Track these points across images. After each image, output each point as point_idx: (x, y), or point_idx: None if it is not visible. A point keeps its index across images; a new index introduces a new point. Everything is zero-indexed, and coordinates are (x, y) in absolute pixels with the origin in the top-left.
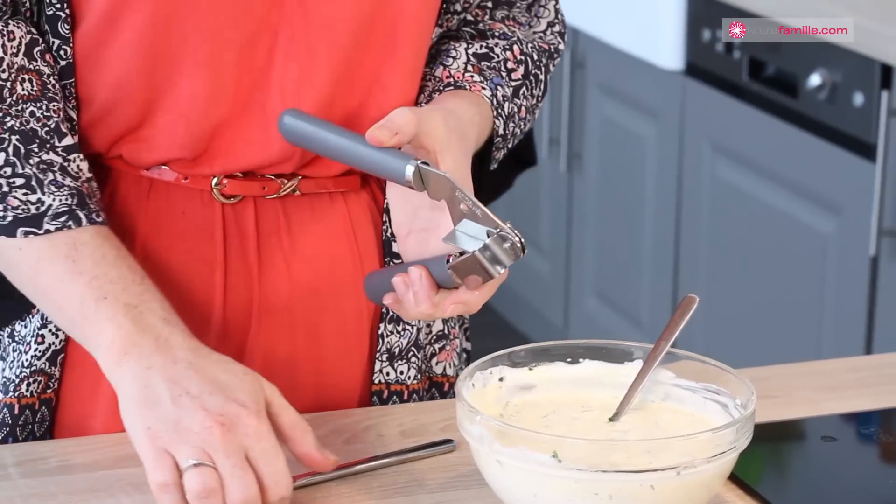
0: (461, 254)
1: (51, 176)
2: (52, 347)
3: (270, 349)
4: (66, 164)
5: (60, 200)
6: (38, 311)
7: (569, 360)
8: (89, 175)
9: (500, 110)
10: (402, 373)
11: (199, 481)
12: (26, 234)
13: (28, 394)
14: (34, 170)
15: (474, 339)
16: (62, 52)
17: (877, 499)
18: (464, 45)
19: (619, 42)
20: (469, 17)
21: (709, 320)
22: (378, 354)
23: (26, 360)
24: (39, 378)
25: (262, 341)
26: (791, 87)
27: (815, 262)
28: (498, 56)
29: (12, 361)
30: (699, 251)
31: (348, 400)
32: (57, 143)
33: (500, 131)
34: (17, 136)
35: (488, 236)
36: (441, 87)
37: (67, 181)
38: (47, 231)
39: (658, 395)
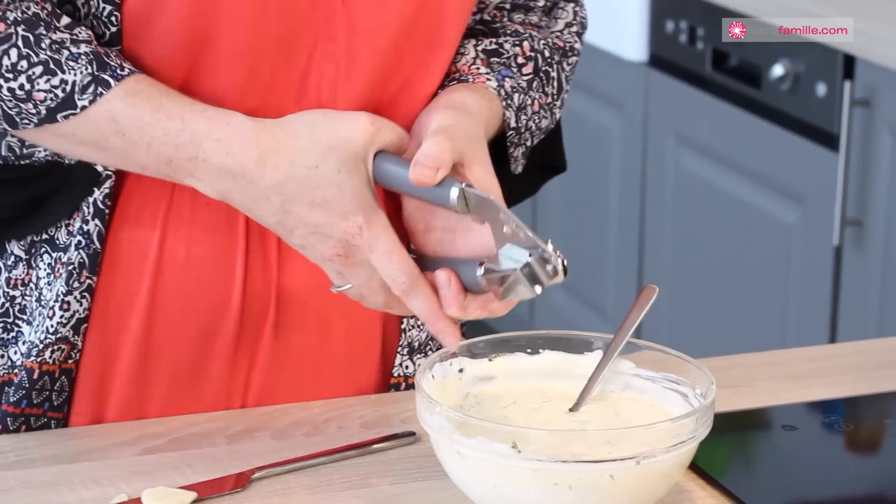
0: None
1: (65, 52)
2: (77, 315)
3: (284, 341)
4: (74, 36)
5: (82, 73)
6: (63, 274)
7: (529, 350)
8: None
9: (509, 101)
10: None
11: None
12: (66, 117)
13: (50, 361)
14: (48, 53)
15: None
16: (112, 19)
17: (837, 487)
18: (473, 41)
19: None
20: (486, 17)
21: (674, 311)
22: (399, 348)
23: (51, 325)
24: (63, 346)
25: (278, 333)
26: (754, 77)
27: (779, 252)
28: (507, 52)
29: (37, 326)
30: (664, 242)
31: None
32: (58, 24)
33: (513, 123)
34: (23, 26)
35: (530, 255)
36: (446, 82)
37: (82, 48)
38: (83, 108)
39: (618, 385)
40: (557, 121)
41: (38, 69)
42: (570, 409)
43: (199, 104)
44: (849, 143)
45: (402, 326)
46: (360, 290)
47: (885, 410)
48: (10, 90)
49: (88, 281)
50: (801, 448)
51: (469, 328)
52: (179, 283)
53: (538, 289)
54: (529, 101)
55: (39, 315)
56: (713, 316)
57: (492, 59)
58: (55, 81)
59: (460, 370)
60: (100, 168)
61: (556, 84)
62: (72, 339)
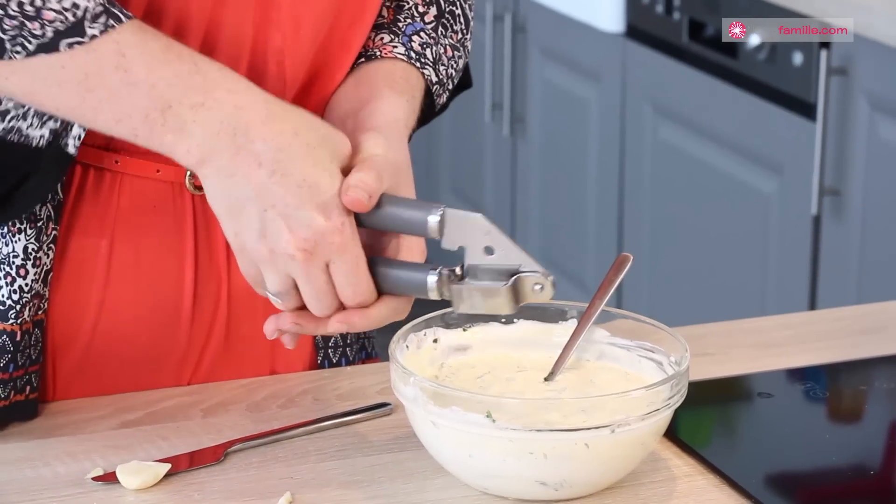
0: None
1: None
2: (45, 268)
3: (235, 330)
4: None
5: (94, 1)
6: (24, 230)
7: (503, 320)
8: None
9: (422, 60)
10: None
11: (282, 307)
12: (70, 45)
13: (28, 319)
14: None
15: (417, 304)
16: None
17: (815, 454)
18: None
19: (559, 5)
20: None
21: (653, 281)
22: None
23: (25, 284)
24: (35, 301)
25: (229, 324)
26: (731, 47)
27: (757, 221)
28: (408, 2)
29: (6, 287)
30: (642, 212)
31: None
32: None
33: (434, 78)
34: None
35: (518, 272)
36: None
37: None
38: (92, 37)
39: (593, 353)
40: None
41: None
42: (545, 379)
43: (207, 56)
44: (826, 112)
45: None
46: (307, 296)
47: (863, 377)
48: (20, 4)
49: (54, 232)
50: (779, 416)
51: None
52: (129, 289)
53: (518, 305)
54: (442, 50)
55: (7, 276)
56: (693, 286)
57: (396, 17)
58: (67, 3)
59: (435, 340)
60: (71, 150)
61: (462, 19)
62: (42, 292)
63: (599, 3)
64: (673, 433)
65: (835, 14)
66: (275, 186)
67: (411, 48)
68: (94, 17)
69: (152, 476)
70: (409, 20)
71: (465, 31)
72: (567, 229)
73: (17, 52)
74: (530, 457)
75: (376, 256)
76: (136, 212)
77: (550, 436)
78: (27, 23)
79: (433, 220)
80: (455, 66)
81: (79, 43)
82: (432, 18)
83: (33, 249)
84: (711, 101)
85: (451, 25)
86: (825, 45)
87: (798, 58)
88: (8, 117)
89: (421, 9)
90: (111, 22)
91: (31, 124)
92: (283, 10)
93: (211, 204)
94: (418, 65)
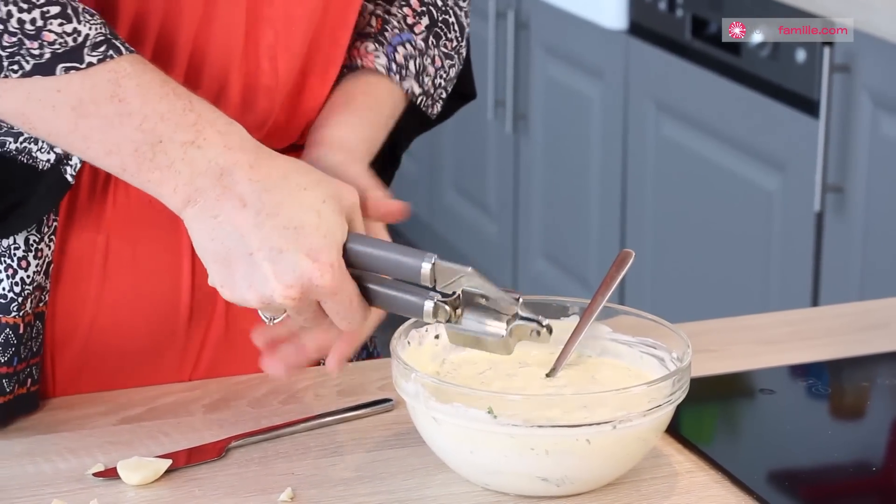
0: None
1: (81, 6)
2: (47, 259)
3: (234, 324)
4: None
5: (97, 29)
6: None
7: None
8: None
9: (404, 72)
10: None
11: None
12: (67, 70)
13: (30, 311)
14: None
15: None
16: None
17: (817, 450)
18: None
19: (562, 3)
20: None
21: (655, 277)
22: None
23: (27, 276)
24: (37, 293)
25: (228, 319)
26: (733, 44)
27: (760, 218)
28: (396, 14)
29: (6, 280)
30: (645, 210)
31: None
32: None
33: (417, 90)
34: None
35: (509, 322)
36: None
37: (96, 16)
38: (90, 64)
39: (595, 349)
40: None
41: (56, 9)
42: (547, 375)
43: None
44: (829, 109)
45: None
46: (302, 324)
47: (866, 374)
48: (21, 22)
49: (55, 224)
50: (781, 412)
51: None
52: (127, 284)
53: (511, 350)
54: (429, 61)
55: (8, 269)
56: (695, 283)
57: (384, 26)
58: (68, 28)
59: (436, 336)
60: (69, 178)
61: (456, 27)
62: (43, 284)
63: (602, 0)
64: (675, 429)
65: (837, 12)
66: (260, 228)
67: (394, 59)
68: (95, 46)
69: (153, 472)
70: (396, 30)
71: (459, 39)
72: (570, 226)
73: (13, 71)
74: (531, 453)
75: (367, 274)
76: (132, 208)
77: (552, 432)
78: (26, 41)
79: (426, 266)
80: (446, 75)
81: (76, 68)
82: (423, 29)
83: (34, 241)
84: (714, 99)
85: (445, 34)
86: (828, 42)
87: (801, 55)
88: (21, 138)
89: (411, 20)
90: (111, 52)
91: (41, 147)
92: (276, 6)
93: (198, 252)
94: (398, 77)
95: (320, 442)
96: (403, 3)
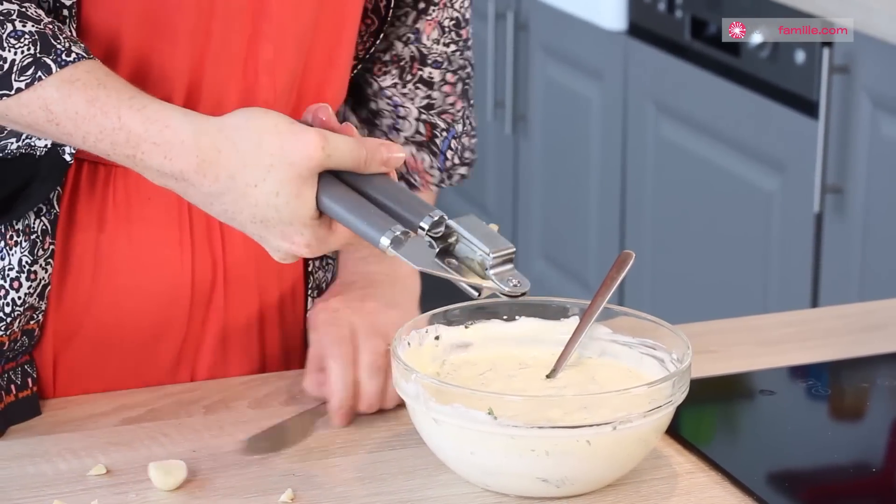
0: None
1: (9, 27)
2: (42, 282)
3: (233, 318)
4: (22, 8)
5: (22, 52)
6: (20, 243)
7: (505, 317)
8: (50, 18)
9: (452, 172)
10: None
11: None
12: (0, 97)
13: (17, 329)
14: None
15: (424, 302)
16: None
17: (817, 451)
18: (409, 104)
19: (562, 3)
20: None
21: (655, 278)
22: (309, 291)
23: (18, 297)
24: (28, 312)
25: (226, 312)
26: (733, 45)
27: (759, 219)
28: (437, 99)
29: None
30: (645, 211)
31: (297, 360)
32: None
33: (465, 173)
34: None
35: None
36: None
37: (28, 27)
38: (18, 90)
39: (595, 350)
40: None
41: None
42: (547, 376)
43: (139, 98)
44: (828, 110)
45: (309, 269)
46: None
47: (865, 375)
48: None
49: (52, 247)
50: (781, 413)
51: (445, 296)
52: (126, 281)
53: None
54: (467, 137)
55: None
56: (695, 284)
57: (433, 133)
58: None
59: (436, 337)
60: (67, 157)
61: (471, 69)
62: (36, 304)
63: (601, 1)
64: (675, 430)
65: (836, 13)
66: (233, 220)
67: (444, 169)
68: (22, 71)
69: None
70: (444, 133)
71: (472, 76)
72: (569, 227)
73: None
74: (532, 454)
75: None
76: (130, 204)
77: (552, 433)
78: None
79: (384, 242)
80: (471, 133)
81: (6, 96)
82: (460, 105)
83: (27, 262)
84: (714, 99)
85: (470, 85)
86: (827, 43)
87: (800, 56)
88: (23, 136)
89: (451, 98)
90: (38, 74)
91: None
92: (273, 22)
93: None
94: (446, 184)
95: (321, 443)
96: (441, 81)
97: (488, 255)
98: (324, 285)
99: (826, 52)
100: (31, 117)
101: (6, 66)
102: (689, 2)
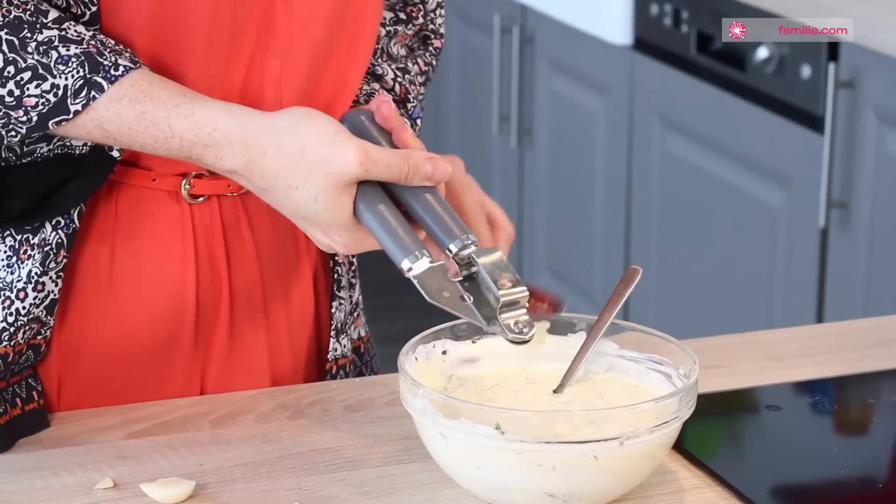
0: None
1: (54, 55)
2: (51, 296)
3: (239, 339)
4: (63, 32)
5: (73, 77)
6: (33, 256)
7: None
8: (90, 32)
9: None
10: (345, 346)
11: None
12: (58, 123)
13: (22, 341)
14: (36, 56)
15: (433, 315)
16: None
17: (823, 467)
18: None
19: (567, 17)
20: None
21: (660, 294)
22: (332, 332)
23: (22, 307)
24: (34, 325)
25: (231, 332)
26: (739, 60)
27: (765, 234)
28: (412, 70)
29: (1, 310)
30: (650, 225)
31: (302, 376)
32: (45, 20)
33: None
34: (6, 30)
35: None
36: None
37: (73, 49)
38: (76, 112)
39: (602, 366)
40: None
41: (27, 74)
42: (554, 391)
43: (185, 104)
44: (834, 125)
45: (332, 310)
46: None
47: (870, 390)
48: (0, 98)
49: (65, 260)
50: (786, 428)
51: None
52: (132, 296)
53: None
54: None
55: (6, 300)
56: (700, 299)
57: (407, 96)
58: (46, 86)
59: (444, 352)
60: (115, 153)
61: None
62: (43, 319)
63: (607, 15)
64: (681, 445)
65: (841, 27)
66: (283, 211)
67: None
68: (76, 93)
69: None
70: (416, 102)
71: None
72: (574, 241)
73: (13, 137)
74: (539, 469)
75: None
76: (134, 220)
77: (559, 448)
78: (11, 112)
79: (406, 265)
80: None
81: (66, 120)
82: (423, 80)
83: (36, 274)
84: (719, 114)
85: (435, 56)
86: (833, 57)
87: (806, 71)
88: (54, 140)
89: (420, 79)
90: (93, 93)
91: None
92: (280, 37)
93: None
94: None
95: (327, 457)
96: (416, 58)
97: (498, 299)
98: (339, 325)
99: (832, 66)
100: (90, 136)
101: (60, 93)
102: (694, 16)
